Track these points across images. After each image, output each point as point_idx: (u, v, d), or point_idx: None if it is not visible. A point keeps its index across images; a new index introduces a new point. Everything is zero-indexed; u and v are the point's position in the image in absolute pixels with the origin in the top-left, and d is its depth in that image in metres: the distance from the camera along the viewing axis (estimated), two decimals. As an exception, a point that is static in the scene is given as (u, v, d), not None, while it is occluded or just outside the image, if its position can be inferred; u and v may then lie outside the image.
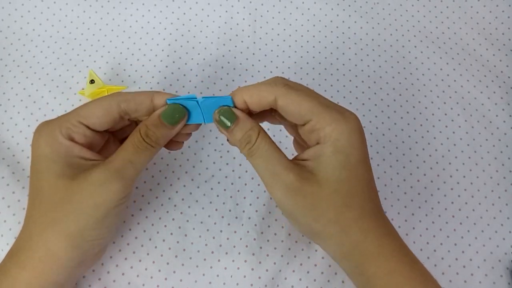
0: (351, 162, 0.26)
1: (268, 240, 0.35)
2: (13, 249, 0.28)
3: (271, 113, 0.31)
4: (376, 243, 0.26)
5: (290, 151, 0.34)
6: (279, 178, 0.26)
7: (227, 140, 0.30)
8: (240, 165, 0.38)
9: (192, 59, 0.42)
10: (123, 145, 0.28)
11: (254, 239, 0.35)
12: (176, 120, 0.28)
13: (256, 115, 0.30)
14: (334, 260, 0.30)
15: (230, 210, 0.36)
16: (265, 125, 0.31)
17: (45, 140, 0.27)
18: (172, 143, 0.31)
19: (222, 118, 0.27)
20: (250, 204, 0.37)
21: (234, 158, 0.38)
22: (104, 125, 0.29)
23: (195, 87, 0.40)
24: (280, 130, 0.38)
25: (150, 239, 0.35)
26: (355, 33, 0.44)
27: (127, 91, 0.30)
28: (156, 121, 0.28)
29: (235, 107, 0.28)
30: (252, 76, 0.41)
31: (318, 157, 0.26)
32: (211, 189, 0.37)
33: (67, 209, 0.27)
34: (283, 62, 0.42)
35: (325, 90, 0.41)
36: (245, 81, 0.41)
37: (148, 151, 0.28)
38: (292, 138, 0.33)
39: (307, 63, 0.43)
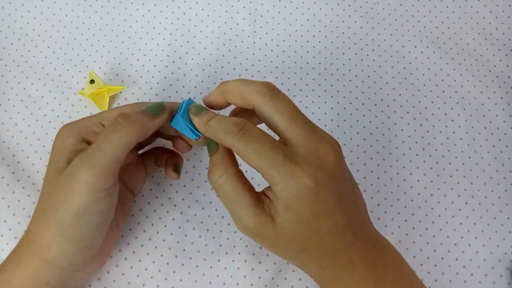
0: (304, 218, 0.26)
1: (268, 240, 0.35)
2: (14, 249, 0.29)
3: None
4: (332, 276, 0.28)
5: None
6: (240, 222, 0.27)
7: None
8: (240, 165, 0.38)
9: (192, 59, 0.42)
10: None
11: (254, 239, 0.35)
12: (154, 109, 0.29)
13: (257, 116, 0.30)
14: None
15: (230, 210, 0.36)
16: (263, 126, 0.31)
17: (62, 135, 0.29)
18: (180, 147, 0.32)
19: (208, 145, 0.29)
20: (250, 204, 0.37)
21: (234, 158, 0.38)
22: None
23: (195, 87, 0.40)
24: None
25: (150, 239, 0.35)
26: (355, 33, 0.44)
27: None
28: (136, 108, 0.29)
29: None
30: (252, 76, 0.42)
31: (274, 208, 0.26)
32: (211, 189, 0.37)
33: (51, 202, 0.27)
34: (283, 62, 0.42)
35: (325, 90, 0.41)
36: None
37: (117, 133, 0.26)
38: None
39: (307, 63, 0.43)
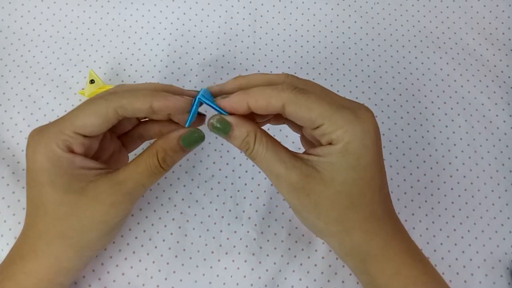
0: (362, 164, 0.25)
1: (268, 240, 0.35)
2: (15, 256, 0.29)
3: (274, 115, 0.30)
4: (381, 245, 0.26)
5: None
6: (282, 179, 0.26)
7: None
8: (240, 165, 0.38)
9: (192, 59, 0.42)
10: (137, 166, 0.27)
11: (254, 239, 0.35)
12: (194, 144, 0.28)
13: (258, 116, 0.29)
14: (339, 257, 0.30)
15: (230, 210, 0.36)
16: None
17: (43, 154, 0.26)
18: None
19: (216, 129, 0.26)
20: (250, 204, 0.37)
21: (234, 158, 0.38)
22: (101, 131, 0.27)
23: (195, 87, 0.40)
24: (280, 130, 0.38)
25: (150, 239, 0.35)
26: (355, 33, 0.44)
27: (123, 89, 0.28)
28: (176, 146, 0.27)
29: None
30: (252, 76, 0.41)
31: (327, 155, 0.25)
32: (211, 189, 0.37)
33: (75, 223, 0.27)
34: (283, 62, 0.42)
35: (325, 90, 0.41)
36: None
37: (162, 174, 0.28)
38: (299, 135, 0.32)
39: (307, 63, 0.43)
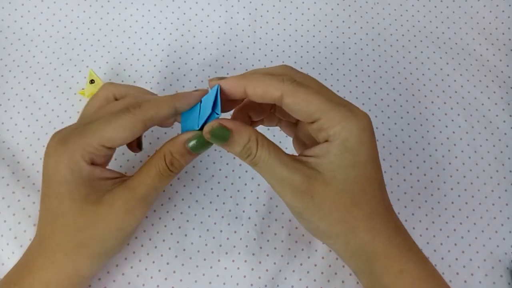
0: (360, 161, 0.25)
1: (268, 240, 0.35)
2: (31, 266, 0.28)
3: (270, 110, 0.30)
4: (385, 243, 0.26)
5: (290, 151, 0.34)
6: (285, 182, 0.25)
7: None
8: (240, 165, 0.38)
9: (192, 59, 0.42)
10: (146, 170, 0.28)
11: (254, 239, 0.35)
12: (201, 148, 0.28)
13: (254, 113, 0.29)
14: (342, 259, 0.30)
15: (230, 210, 0.36)
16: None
17: (67, 166, 0.26)
18: None
19: (215, 137, 0.25)
20: (250, 204, 0.37)
21: (234, 158, 0.38)
22: (126, 143, 0.28)
23: (195, 87, 0.40)
24: (280, 130, 0.38)
25: (150, 239, 0.35)
26: (355, 33, 0.44)
27: (144, 97, 0.29)
28: (182, 150, 0.28)
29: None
30: (252, 76, 0.41)
31: (325, 155, 0.25)
32: (211, 189, 0.37)
33: (93, 233, 0.28)
34: (283, 62, 0.42)
35: (325, 90, 0.41)
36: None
37: (172, 177, 0.29)
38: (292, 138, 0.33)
39: (307, 63, 0.43)
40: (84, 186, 0.27)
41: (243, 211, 0.36)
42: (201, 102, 0.28)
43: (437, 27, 0.45)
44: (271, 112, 0.30)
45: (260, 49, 0.43)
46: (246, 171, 0.38)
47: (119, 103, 0.29)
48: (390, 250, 0.26)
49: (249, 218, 0.36)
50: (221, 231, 0.36)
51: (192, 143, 0.27)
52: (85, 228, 0.27)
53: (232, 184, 0.37)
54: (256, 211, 0.36)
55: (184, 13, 0.44)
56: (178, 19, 0.43)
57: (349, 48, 0.44)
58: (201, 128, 0.26)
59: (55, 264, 0.28)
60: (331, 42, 0.44)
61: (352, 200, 0.25)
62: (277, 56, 0.43)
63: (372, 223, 0.26)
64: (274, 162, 0.25)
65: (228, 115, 0.30)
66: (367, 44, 0.44)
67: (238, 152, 0.26)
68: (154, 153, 0.29)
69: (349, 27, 0.44)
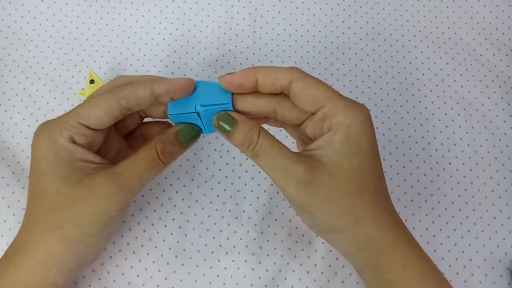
0: (363, 150, 0.25)
1: (268, 240, 0.35)
2: (10, 250, 0.28)
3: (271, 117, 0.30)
4: (391, 235, 0.26)
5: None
6: (289, 173, 0.25)
7: None
8: (240, 165, 0.38)
9: (192, 59, 0.42)
10: (134, 158, 0.28)
11: (254, 239, 0.35)
12: (191, 139, 0.28)
13: (256, 117, 0.30)
14: (346, 256, 0.29)
15: (230, 210, 0.36)
16: (265, 126, 0.31)
17: (45, 143, 0.27)
18: None
19: (221, 123, 0.27)
20: (250, 204, 0.37)
21: (234, 158, 0.38)
22: (104, 124, 0.28)
23: (195, 87, 0.40)
24: (280, 130, 0.38)
25: (150, 239, 0.35)
26: (355, 33, 0.44)
27: (125, 84, 0.29)
28: (173, 138, 0.28)
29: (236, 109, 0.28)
30: (252, 76, 0.41)
31: (329, 145, 0.26)
32: (211, 189, 0.37)
33: (69, 215, 0.27)
34: (283, 62, 0.42)
35: (325, 90, 0.41)
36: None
37: (160, 168, 0.28)
38: (295, 140, 0.33)
39: (307, 63, 0.43)
40: (64, 166, 0.27)
41: (243, 211, 0.36)
42: (196, 99, 0.28)
43: (437, 27, 0.45)
44: (273, 115, 0.30)
45: (260, 49, 0.43)
46: (246, 171, 0.38)
47: (104, 86, 0.29)
48: (396, 243, 0.26)
49: (249, 218, 0.36)
50: (221, 231, 0.36)
51: (183, 133, 0.28)
52: (61, 209, 0.27)
53: (232, 184, 0.37)
54: (256, 211, 0.36)
55: (184, 13, 0.44)
56: (178, 19, 0.43)
57: (349, 48, 0.44)
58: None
59: (29, 246, 0.27)
60: (331, 42, 0.44)
61: (357, 190, 0.25)
62: (277, 56, 0.43)
63: (377, 215, 0.26)
64: (277, 152, 0.26)
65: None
66: (367, 44, 0.44)
67: (240, 141, 0.27)
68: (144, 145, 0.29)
69: (349, 27, 0.44)
